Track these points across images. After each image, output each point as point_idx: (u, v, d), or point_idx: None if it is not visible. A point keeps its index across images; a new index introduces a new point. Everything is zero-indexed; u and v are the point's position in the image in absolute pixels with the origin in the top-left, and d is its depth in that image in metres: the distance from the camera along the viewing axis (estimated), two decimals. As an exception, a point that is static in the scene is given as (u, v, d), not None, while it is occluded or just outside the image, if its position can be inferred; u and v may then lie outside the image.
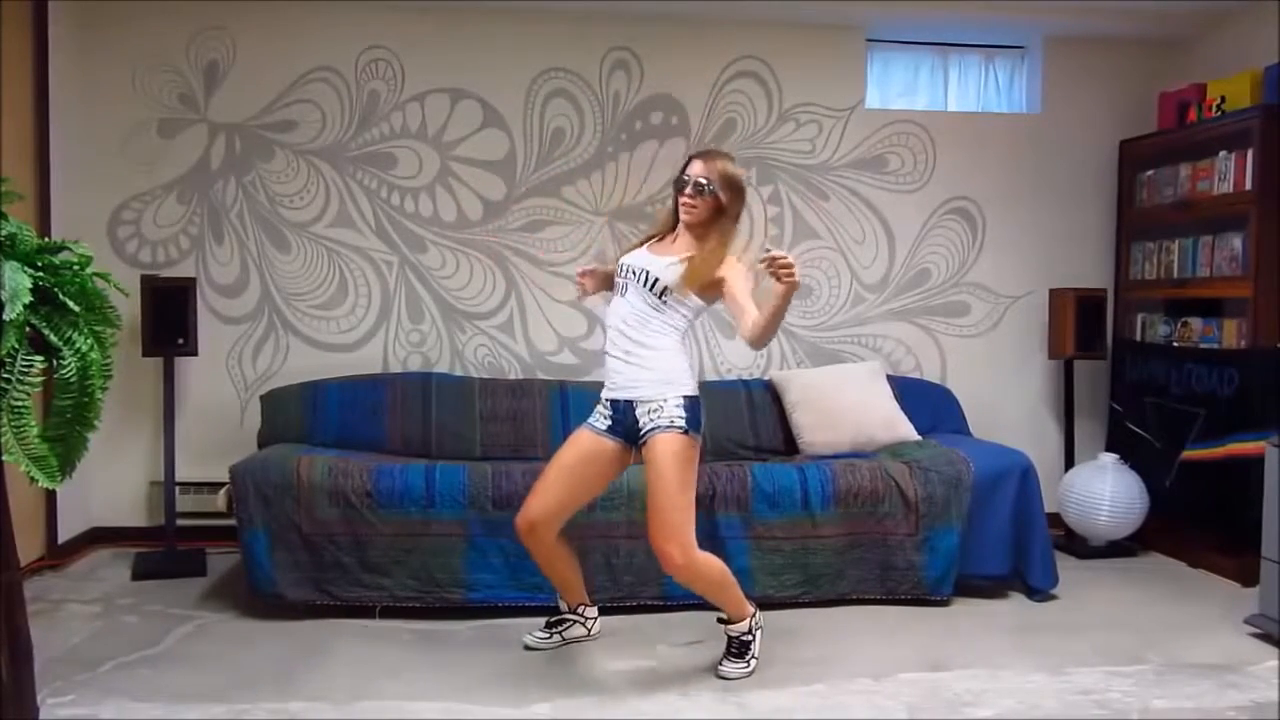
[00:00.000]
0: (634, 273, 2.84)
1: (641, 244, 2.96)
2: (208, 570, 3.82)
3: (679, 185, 2.84)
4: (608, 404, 2.89)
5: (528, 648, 3.10)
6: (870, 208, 4.58)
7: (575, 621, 3.15)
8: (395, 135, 4.31)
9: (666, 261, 2.81)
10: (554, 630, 3.14)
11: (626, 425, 2.83)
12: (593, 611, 3.19)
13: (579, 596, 3.15)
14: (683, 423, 2.73)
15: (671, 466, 2.71)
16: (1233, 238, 3.94)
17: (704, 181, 2.78)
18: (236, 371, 4.29)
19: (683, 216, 2.84)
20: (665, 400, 2.75)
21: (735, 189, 2.81)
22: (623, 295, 2.87)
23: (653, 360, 2.78)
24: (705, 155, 2.86)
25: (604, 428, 2.88)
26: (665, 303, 2.79)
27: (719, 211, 2.80)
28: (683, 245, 2.84)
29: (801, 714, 2.63)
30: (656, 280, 2.79)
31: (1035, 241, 4.67)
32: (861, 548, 3.48)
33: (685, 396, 2.77)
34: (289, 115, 4.26)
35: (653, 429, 2.74)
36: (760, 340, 2.67)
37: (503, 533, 3.26)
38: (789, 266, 2.48)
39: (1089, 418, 4.66)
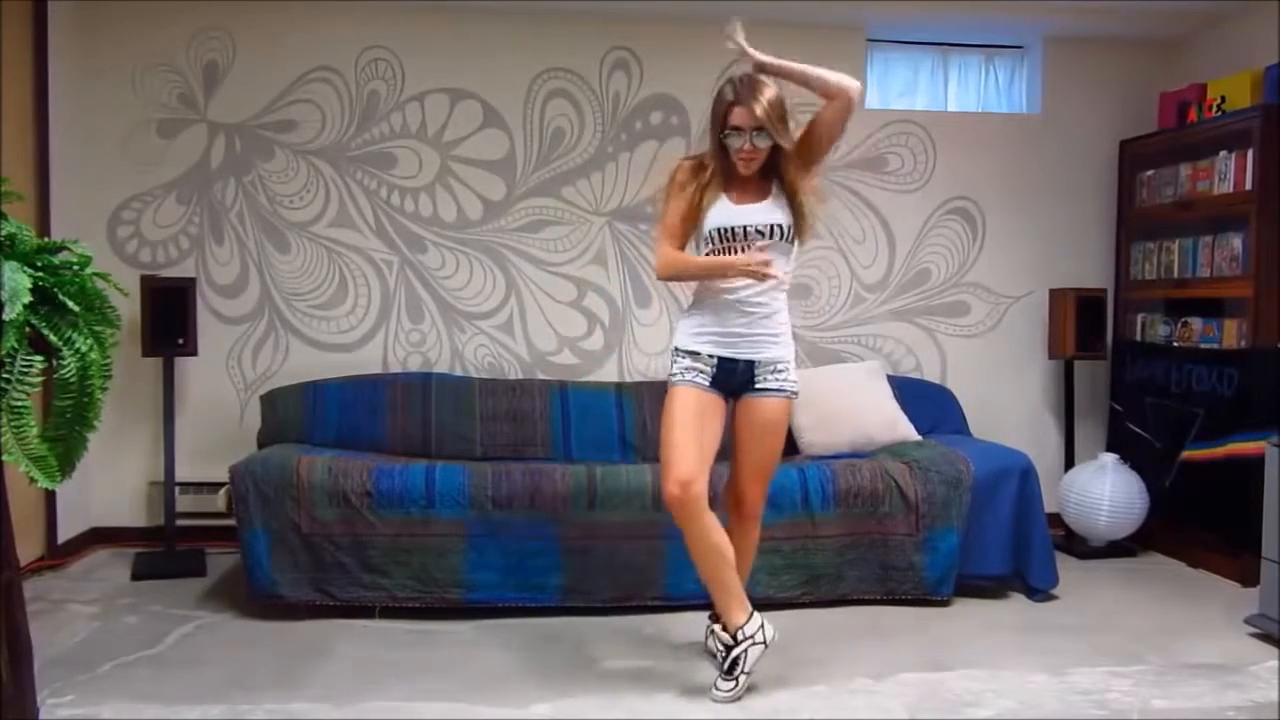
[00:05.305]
0: (760, 232, 2.69)
1: (703, 199, 2.75)
2: (208, 570, 3.82)
3: (724, 136, 2.67)
4: (712, 361, 2.75)
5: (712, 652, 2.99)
6: (870, 208, 4.58)
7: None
8: (395, 135, 4.31)
9: (777, 207, 2.72)
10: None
11: (735, 381, 2.79)
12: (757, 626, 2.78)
13: (734, 600, 2.77)
14: (796, 390, 2.82)
15: (782, 432, 2.84)
16: (1233, 238, 3.94)
17: (763, 131, 2.64)
18: (236, 371, 4.28)
19: (742, 171, 2.70)
20: (789, 364, 2.81)
21: (783, 112, 2.69)
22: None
23: (776, 324, 2.79)
24: (748, 94, 2.64)
25: (706, 383, 2.75)
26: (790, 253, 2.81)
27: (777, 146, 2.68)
28: (764, 188, 2.74)
29: (802, 714, 2.63)
30: (788, 229, 2.73)
31: (1035, 241, 4.67)
32: (861, 548, 3.48)
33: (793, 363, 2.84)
34: (289, 115, 4.26)
35: (776, 390, 2.78)
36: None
37: (503, 533, 3.26)
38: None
39: (1089, 418, 4.66)
